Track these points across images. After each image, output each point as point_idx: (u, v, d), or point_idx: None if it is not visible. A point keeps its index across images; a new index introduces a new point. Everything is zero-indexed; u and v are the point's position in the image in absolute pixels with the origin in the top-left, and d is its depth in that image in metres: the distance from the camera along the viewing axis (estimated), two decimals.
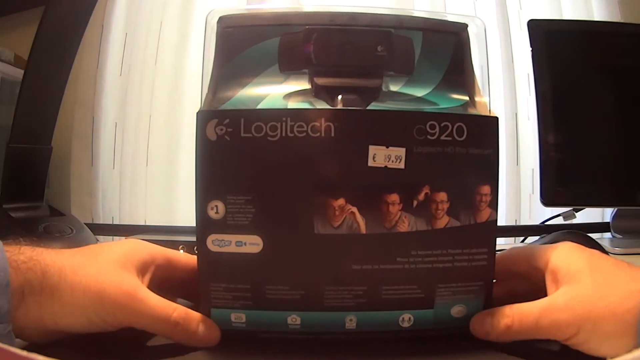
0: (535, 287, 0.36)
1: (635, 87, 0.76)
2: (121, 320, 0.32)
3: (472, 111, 0.37)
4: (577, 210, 0.83)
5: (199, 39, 0.37)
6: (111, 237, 0.94)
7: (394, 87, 0.37)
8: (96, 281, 0.31)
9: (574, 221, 0.84)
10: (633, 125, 0.75)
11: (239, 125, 0.33)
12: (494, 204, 0.35)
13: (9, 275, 0.29)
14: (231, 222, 0.33)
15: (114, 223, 1.05)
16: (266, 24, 0.38)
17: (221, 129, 0.33)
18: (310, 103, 0.36)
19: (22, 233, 0.54)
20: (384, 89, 0.37)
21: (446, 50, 0.38)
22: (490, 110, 0.37)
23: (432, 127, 0.34)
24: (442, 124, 0.34)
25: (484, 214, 0.35)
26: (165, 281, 0.37)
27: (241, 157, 0.33)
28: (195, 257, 0.35)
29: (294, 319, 0.34)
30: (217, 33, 0.37)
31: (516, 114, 1.03)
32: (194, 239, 0.34)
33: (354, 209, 0.33)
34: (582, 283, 0.32)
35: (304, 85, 0.37)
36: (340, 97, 0.36)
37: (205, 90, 0.36)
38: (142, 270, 0.35)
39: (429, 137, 0.34)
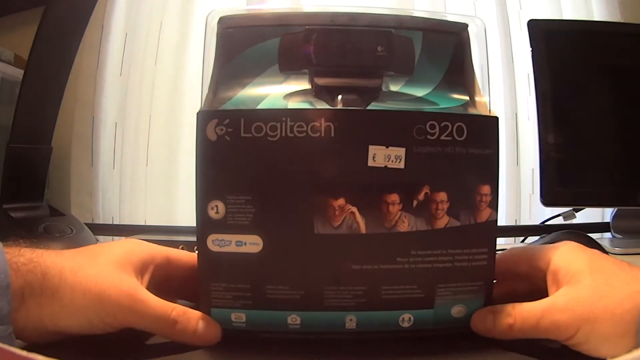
0: (535, 288, 0.36)
1: (635, 87, 0.76)
2: (121, 321, 0.32)
3: (472, 111, 0.37)
4: (577, 210, 0.83)
5: (199, 39, 0.37)
6: (111, 237, 0.94)
7: (394, 87, 0.38)
8: (96, 283, 0.31)
9: (574, 221, 0.84)
10: (633, 125, 0.75)
11: (239, 125, 0.33)
12: (494, 204, 0.35)
13: (9, 277, 0.29)
14: (231, 222, 0.33)
15: (114, 223, 1.05)
16: (266, 25, 0.38)
17: (221, 129, 0.33)
18: (311, 103, 0.36)
19: (22, 233, 0.55)
20: (384, 89, 0.37)
21: (446, 50, 0.38)
22: (490, 110, 0.37)
23: (432, 127, 0.34)
24: (442, 124, 0.34)
25: (484, 214, 0.35)
26: (165, 280, 0.37)
27: (241, 157, 0.33)
28: (195, 254, 0.35)
29: (294, 319, 0.34)
30: (217, 33, 0.37)
31: (516, 114, 1.04)
32: (194, 239, 0.34)
33: (354, 209, 0.33)
34: (582, 283, 0.32)
35: (304, 85, 0.37)
36: (340, 97, 0.36)
37: (206, 91, 0.36)
38: (141, 270, 0.35)
39: (429, 137, 0.34)
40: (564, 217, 0.84)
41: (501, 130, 0.62)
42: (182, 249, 0.50)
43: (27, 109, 0.63)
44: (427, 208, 0.34)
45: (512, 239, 0.92)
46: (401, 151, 0.33)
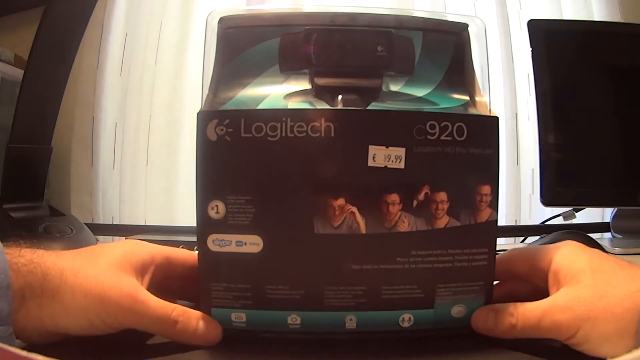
0: (536, 288, 0.36)
1: (635, 87, 0.76)
2: (122, 322, 0.32)
3: (472, 111, 0.37)
4: (577, 210, 0.83)
5: (199, 39, 0.37)
6: (111, 237, 0.94)
7: (394, 87, 0.37)
8: (97, 284, 0.31)
9: (574, 221, 0.84)
10: (633, 126, 0.75)
11: (239, 125, 0.33)
12: (494, 204, 0.35)
13: (9, 277, 0.29)
14: (231, 222, 0.33)
15: (114, 223, 1.05)
16: (266, 25, 0.38)
17: (221, 129, 0.33)
18: (311, 103, 0.36)
19: (22, 233, 0.55)
20: (384, 89, 0.37)
21: (446, 50, 0.38)
22: (490, 110, 0.37)
23: (432, 127, 0.34)
24: (442, 124, 0.34)
25: (484, 214, 0.35)
26: (166, 280, 0.37)
27: (241, 157, 0.33)
28: (195, 253, 0.35)
29: (294, 319, 0.34)
30: (217, 34, 0.37)
31: (516, 114, 1.04)
32: (194, 239, 0.34)
33: (354, 209, 0.33)
34: (582, 283, 0.32)
35: (305, 85, 0.37)
36: (340, 97, 0.36)
37: (206, 91, 0.36)
38: (142, 271, 0.35)
39: (429, 137, 0.34)
40: (564, 217, 0.84)
41: (501, 130, 0.62)
42: (183, 249, 0.50)
43: (27, 109, 0.63)
44: (427, 208, 0.34)
45: (512, 239, 0.92)
46: (401, 151, 0.33)
